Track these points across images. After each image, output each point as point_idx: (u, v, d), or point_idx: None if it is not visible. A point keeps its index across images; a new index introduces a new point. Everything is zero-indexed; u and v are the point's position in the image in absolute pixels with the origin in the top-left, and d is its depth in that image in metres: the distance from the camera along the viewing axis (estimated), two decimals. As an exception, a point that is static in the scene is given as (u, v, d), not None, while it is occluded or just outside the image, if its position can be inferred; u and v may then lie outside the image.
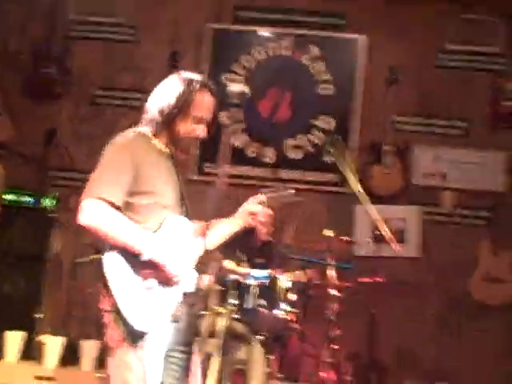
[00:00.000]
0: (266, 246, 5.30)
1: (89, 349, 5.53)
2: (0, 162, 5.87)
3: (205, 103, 3.11)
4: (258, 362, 4.57)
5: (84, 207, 2.84)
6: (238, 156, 6.39)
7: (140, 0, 6.71)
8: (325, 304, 4.83)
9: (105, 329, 2.95)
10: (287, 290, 4.71)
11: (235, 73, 6.52)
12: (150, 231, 2.95)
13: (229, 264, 5.04)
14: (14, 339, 5.52)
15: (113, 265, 2.86)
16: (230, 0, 6.66)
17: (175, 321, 2.86)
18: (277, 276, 4.72)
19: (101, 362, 5.32)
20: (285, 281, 4.71)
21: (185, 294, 2.96)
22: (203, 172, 6.35)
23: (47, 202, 5.85)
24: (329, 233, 4.97)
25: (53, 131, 6.40)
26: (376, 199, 5.93)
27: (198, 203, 3.21)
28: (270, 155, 6.46)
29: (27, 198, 5.90)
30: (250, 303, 4.58)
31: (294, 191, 3.41)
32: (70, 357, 5.58)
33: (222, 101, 3.19)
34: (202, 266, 3.09)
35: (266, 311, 4.59)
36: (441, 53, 6.50)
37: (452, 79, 6.45)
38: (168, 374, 2.97)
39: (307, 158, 6.44)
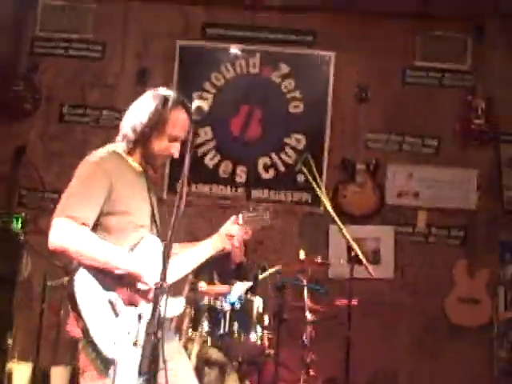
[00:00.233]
0: (240, 268, 5.22)
1: (59, 375, 5.41)
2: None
3: (180, 121, 3.04)
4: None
5: (53, 227, 2.79)
6: (211, 175, 6.33)
7: (107, 16, 6.64)
8: (300, 327, 4.76)
9: (77, 353, 2.87)
10: (262, 313, 4.62)
11: (205, 91, 6.44)
12: (125, 249, 2.89)
13: (204, 286, 4.94)
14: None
15: (83, 287, 2.78)
16: (199, 17, 6.61)
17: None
18: (252, 299, 4.63)
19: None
20: (260, 304, 4.62)
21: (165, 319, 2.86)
22: (174, 191, 6.21)
23: (14, 224, 5.70)
24: (302, 254, 4.91)
25: (22, 149, 6.28)
26: (349, 219, 5.94)
27: (168, 223, 3.10)
28: (241, 174, 6.37)
29: (-5, 219, 5.76)
30: (224, 328, 4.49)
31: (270, 214, 3.32)
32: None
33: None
34: (175, 290, 3.02)
35: (240, 336, 4.48)
36: (410, 69, 6.50)
37: (421, 96, 6.47)
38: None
39: (279, 177, 6.38)
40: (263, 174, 6.39)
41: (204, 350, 4.51)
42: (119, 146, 3.05)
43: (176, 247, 3.01)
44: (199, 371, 4.41)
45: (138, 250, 2.93)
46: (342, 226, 4.57)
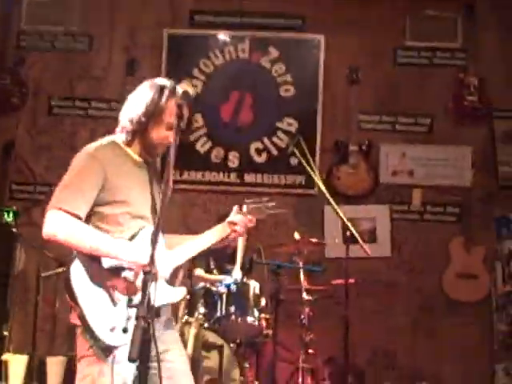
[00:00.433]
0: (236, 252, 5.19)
1: (55, 365, 5.38)
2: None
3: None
4: (229, 370, 4.45)
5: (47, 219, 2.78)
6: (202, 162, 6.29)
7: (94, 8, 6.58)
8: (297, 308, 4.74)
9: (74, 341, 2.85)
10: (259, 295, 4.59)
11: (195, 77, 6.40)
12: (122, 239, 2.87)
13: (200, 272, 4.91)
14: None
15: (79, 276, 2.76)
16: (186, 4, 6.57)
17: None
18: (248, 282, 4.60)
19: (68, 378, 5.18)
20: (256, 286, 4.60)
21: (158, 308, 2.84)
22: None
23: (6, 217, 5.69)
24: (297, 235, 4.88)
25: (11, 144, 6.24)
26: (344, 199, 5.92)
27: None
28: (234, 160, 6.33)
29: (-13, 213, 5.74)
30: (220, 311, 4.46)
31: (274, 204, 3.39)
32: (37, 374, 5.40)
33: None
34: (172, 279, 3.03)
35: (237, 318, 4.45)
36: (401, 50, 6.47)
37: (413, 76, 6.43)
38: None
39: (272, 160, 6.34)
40: (256, 157, 6.35)
41: (201, 334, 4.48)
42: (118, 137, 3.04)
43: (176, 238, 3.09)
44: (197, 355, 4.38)
45: (136, 240, 2.89)
46: (335, 207, 4.56)
